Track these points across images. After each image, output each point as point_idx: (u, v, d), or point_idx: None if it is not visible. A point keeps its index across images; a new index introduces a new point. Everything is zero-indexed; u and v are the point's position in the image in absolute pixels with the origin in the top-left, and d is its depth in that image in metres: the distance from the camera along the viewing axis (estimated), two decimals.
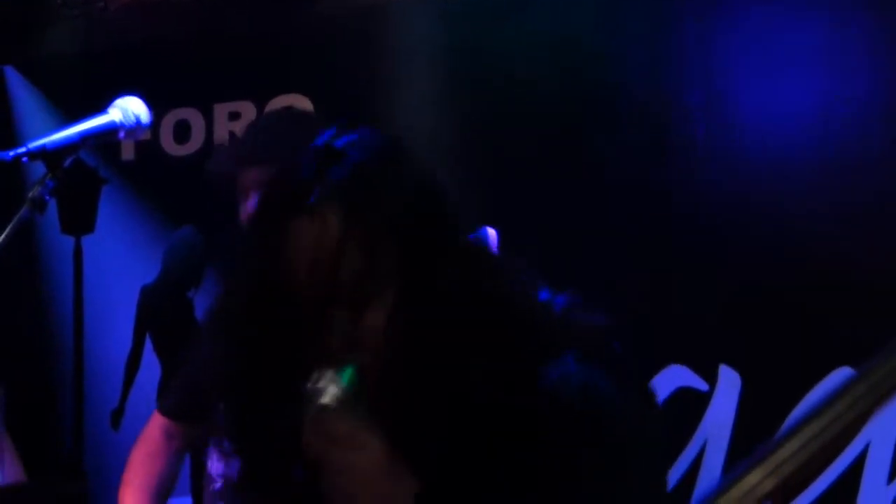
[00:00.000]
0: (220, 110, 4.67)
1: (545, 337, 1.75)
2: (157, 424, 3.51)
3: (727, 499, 0.70)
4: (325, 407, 1.66)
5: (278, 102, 4.52)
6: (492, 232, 2.18)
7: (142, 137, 4.50)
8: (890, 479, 3.40)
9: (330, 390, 1.67)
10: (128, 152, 4.86)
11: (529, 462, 1.65)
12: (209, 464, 3.27)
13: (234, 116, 4.63)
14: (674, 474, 3.60)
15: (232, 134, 3.28)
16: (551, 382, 1.69)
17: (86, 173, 4.83)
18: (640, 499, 1.66)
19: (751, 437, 3.42)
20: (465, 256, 1.75)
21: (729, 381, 3.59)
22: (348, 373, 1.67)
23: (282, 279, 1.71)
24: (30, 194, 2.25)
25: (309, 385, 1.67)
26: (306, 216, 1.69)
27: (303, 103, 4.47)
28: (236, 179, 3.14)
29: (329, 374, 1.68)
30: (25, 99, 5.11)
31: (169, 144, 4.77)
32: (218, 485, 3.21)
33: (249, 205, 3.13)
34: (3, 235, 2.22)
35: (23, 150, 2.28)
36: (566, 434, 1.66)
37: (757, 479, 0.72)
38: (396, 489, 1.67)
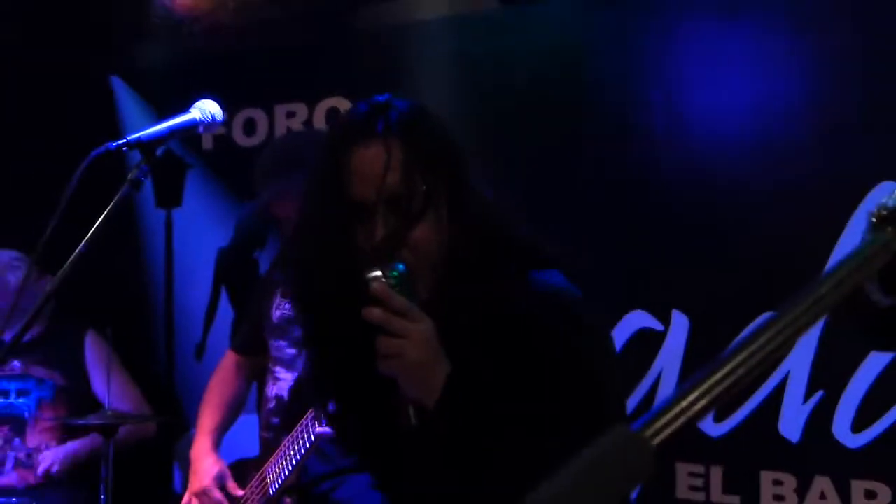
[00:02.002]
0: (280, 110, 4.67)
1: (531, 256, 1.80)
2: (229, 358, 3.54)
3: (667, 416, 0.70)
4: (385, 281, 1.61)
5: (325, 104, 4.52)
6: None
7: (217, 131, 4.50)
8: (805, 400, 3.41)
9: (385, 277, 1.63)
10: (207, 143, 4.86)
11: (526, 348, 1.68)
12: (266, 388, 3.29)
13: (291, 115, 4.63)
14: (634, 399, 3.62)
15: (262, 166, 3.27)
16: (541, 286, 1.75)
17: (174, 159, 4.84)
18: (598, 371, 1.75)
19: (695, 368, 3.43)
20: (479, 194, 1.81)
21: (680, 323, 3.59)
22: (399, 268, 1.64)
23: (349, 192, 1.70)
24: (129, 176, 2.27)
25: (367, 272, 1.63)
26: (374, 142, 1.69)
27: (344, 104, 4.48)
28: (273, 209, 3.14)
29: (385, 267, 1.64)
30: (127, 101, 5.13)
31: (239, 137, 4.77)
32: (272, 404, 3.23)
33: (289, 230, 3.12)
34: (108, 209, 2.23)
35: (123, 141, 2.29)
36: (551, 325, 1.71)
37: (691, 399, 0.72)
38: (437, 363, 1.63)
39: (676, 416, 0.71)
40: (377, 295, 1.59)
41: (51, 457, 4.12)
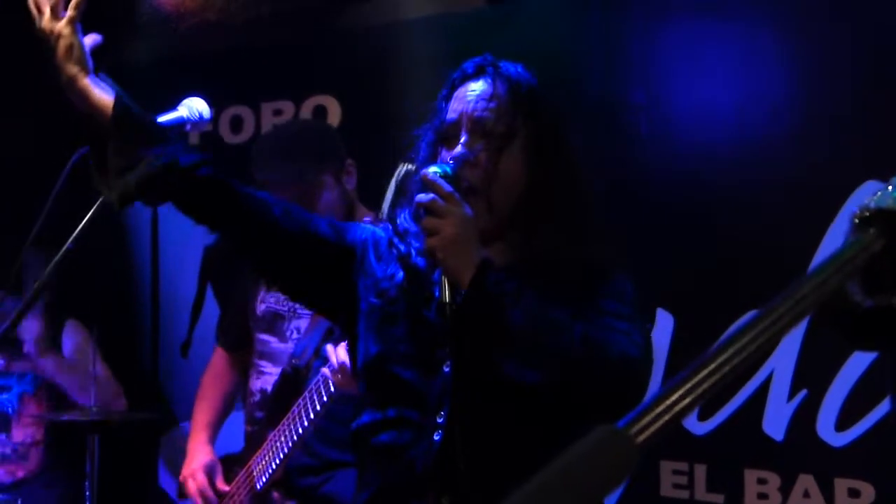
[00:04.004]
0: (266, 107, 4.67)
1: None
2: (219, 356, 3.56)
3: (651, 414, 0.71)
4: (434, 174, 1.89)
5: (312, 102, 4.52)
6: None
7: (204, 129, 4.50)
8: (789, 399, 3.42)
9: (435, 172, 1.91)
10: (194, 141, 4.86)
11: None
12: (250, 382, 3.29)
13: (278, 112, 4.63)
14: None
15: (259, 149, 3.26)
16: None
17: None
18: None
19: (680, 365, 3.44)
20: (570, 155, 2.12)
21: (664, 322, 3.60)
22: (447, 169, 1.92)
23: (447, 114, 2.04)
24: None
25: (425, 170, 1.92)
26: (482, 77, 2.06)
27: (331, 103, 4.47)
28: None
29: (438, 165, 1.94)
30: None
31: (226, 134, 4.76)
32: (256, 398, 3.24)
33: None
34: (95, 206, 2.23)
35: None
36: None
37: (676, 397, 0.72)
38: (472, 245, 1.84)
39: (661, 415, 0.71)
40: (425, 182, 1.88)
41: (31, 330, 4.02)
